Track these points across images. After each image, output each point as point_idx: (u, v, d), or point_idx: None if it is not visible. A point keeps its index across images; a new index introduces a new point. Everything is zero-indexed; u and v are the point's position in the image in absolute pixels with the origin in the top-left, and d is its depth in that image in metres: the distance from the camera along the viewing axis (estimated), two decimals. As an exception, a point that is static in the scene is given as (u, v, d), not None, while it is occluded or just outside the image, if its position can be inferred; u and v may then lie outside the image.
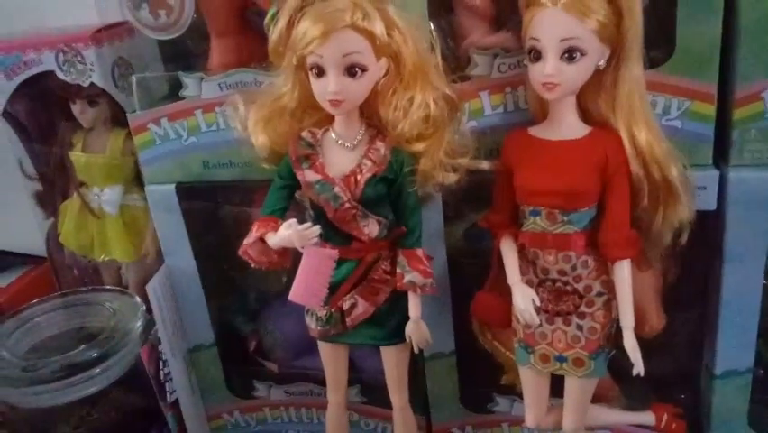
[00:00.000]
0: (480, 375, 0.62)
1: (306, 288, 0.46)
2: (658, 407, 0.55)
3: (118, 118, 0.67)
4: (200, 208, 0.63)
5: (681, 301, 0.56)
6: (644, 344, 0.50)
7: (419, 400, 0.62)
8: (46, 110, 0.70)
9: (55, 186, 0.72)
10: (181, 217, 0.61)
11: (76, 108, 0.67)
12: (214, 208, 0.65)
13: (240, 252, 0.49)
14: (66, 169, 0.70)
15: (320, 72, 0.45)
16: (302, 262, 0.47)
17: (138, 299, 0.68)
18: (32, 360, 0.62)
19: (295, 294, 0.46)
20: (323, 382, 0.65)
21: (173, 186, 0.60)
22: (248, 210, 0.65)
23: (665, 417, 0.54)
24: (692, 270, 0.55)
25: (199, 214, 0.63)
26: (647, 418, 0.54)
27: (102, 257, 0.72)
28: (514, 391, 0.61)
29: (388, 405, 0.57)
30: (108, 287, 0.72)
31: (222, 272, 0.67)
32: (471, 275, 0.56)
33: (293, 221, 0.46)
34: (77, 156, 0.69)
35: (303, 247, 0.45)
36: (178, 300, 0.64)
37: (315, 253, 0.46)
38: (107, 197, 0.70)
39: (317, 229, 0.45)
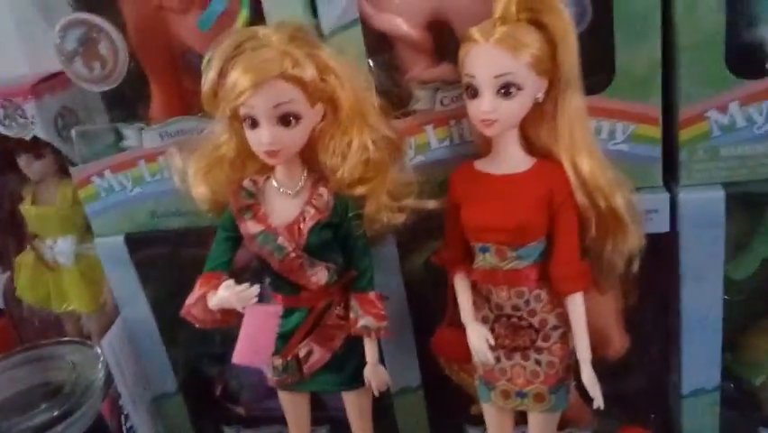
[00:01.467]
0: (450, 406, 0.61)
1: (251, 347, 0.45)
2: (627, 429, 0.54)
3: (66, 168, 0.65)
4: (153, 256, 0.62)
5: (644, 322, 0.56)
6: (612, 364, 0.49)
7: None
8: (-8, 164, 0.69)
9: (8, 239, 0.71)
10: (132, 268, 0.60)
11: (21, 161, 0.65)
12: (169, 255, 0.64)
13: (182, 313, 0.48)
14: (17, 222, 0.69)
15: (254, 123, 0.44)
16: (244, 322, 0.45)
17: (98, 349, 0.66)
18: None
19: (238, 355, 0.45)
20: (291, 424, 0.64)
21: (122, 237, 0.59)
22: (204, 253, 0.64)
23: (632, 440, 0.54)
24: (652, 290, 0.54)
25: (152, 262, 0.62)
26: (616, 443, 0.54)
27: (63, 307, 0.70)
28: (484, 422, 0.60)
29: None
30: (68, 339, 0.70)
31: (180, 319, 0.65)
32: (435, 306, 0.55)
33: (230, 282, 0.45)
34: (27, 209, 0.67)
35: (243, 308, 0.44)
36: (137, 350, 0.63)
37: (257, 313, 0.45)
38: (60, 248, 0.68)
39: (255, 290, 0.44)
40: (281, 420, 0.65)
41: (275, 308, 0.46)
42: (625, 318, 0.56)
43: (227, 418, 0.67)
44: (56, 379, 0.66)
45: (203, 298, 0.46)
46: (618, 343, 0.55)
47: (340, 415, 0.63)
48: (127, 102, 0.60)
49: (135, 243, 0.59)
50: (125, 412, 0.61)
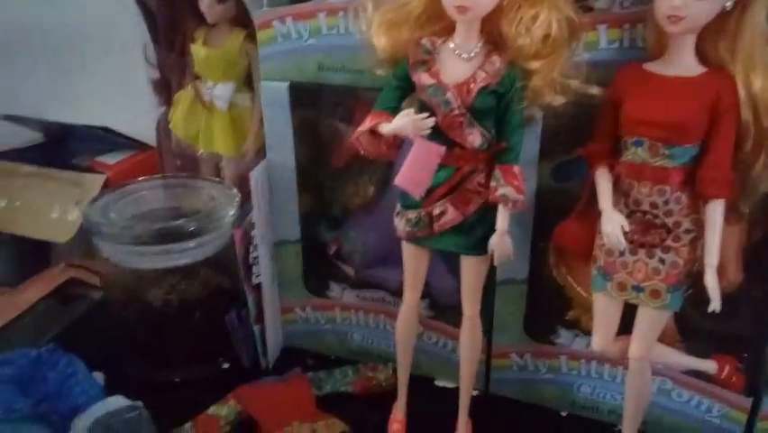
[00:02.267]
0: (548, 307, 0.64)
1: (413, 175, 0.49)
2: (721, 357, 0.56)
3: (241, 19, 0.71)
4: (307, 112, 0.67)
5: (760, 263, 0.57)
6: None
7: (485, 320, 0.64)
8: (175, 2, 0.75)
9: (172, 76, 0.77)
10: (289, 116, 0.65)
11: (204, 2, 0.71)
12: (319, 116, 0.69)
13: (352, 138, 0.52)
14: (185, 60, 0.75)
15: None
16: (411, 151, 0.50)
17: (235, 190, 0.73)
18: (134, 224, 0.68)
19: (401, 179, 0.50)
20: (395, 293, 0.69)
21: (287, 84, 0.64)
22: (344, 128, 0.69)
23: (727, 368, 0.56)
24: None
25: (305, 117, 0.67)
26: (709, 365, 0.56)
27: (208, 148, 0.77)
28: (577, 326, 0.63)
29: (454, 323, 0.60)
30: (207, 177, 0.78)
31: (316, 178, 0.71)
32: (554, 212, 0.58)
33: (410, 110, 0.49)
34: (197, 49, 0.74)
35: (414, 137, 0.49)
36: (273, 194, 0.69)
37: (424, 145, 0.49)
38: (219, 92, 0.74)
39: (432, 120, 0.48)
40: (384, 288, 0.71)
41: (440, 147, 0.50)
42: (743, 256, 0.57)
43: (336, 275, 0.73)
44: (194, 205, 0.73)
45: (373, 129, 0.51)
46: (733, 276, 0.57)
47: (438, 294, 0.69)
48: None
49: (297, 92, 0.64)
50: (255, 243, 0.67)
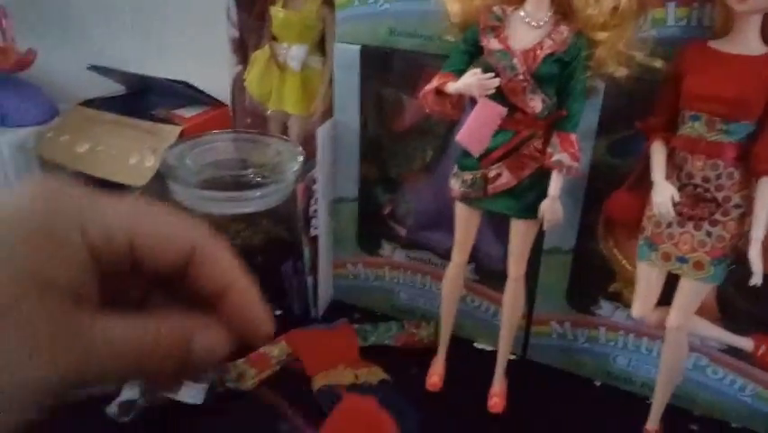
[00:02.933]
0: (592, 278, 0.66)
1: (473, 133, 0.52)
2: (760, 336, 0.57)
3: (320, -15, 0.75)
4: (375, 76, 0.70)
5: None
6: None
7: (528, 287, 0.67)
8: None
9: (251, 36, 0.82)
10: (358, 78, 0.69)
11: (286, -33, 0.76)
12: (386, 80, 0.72)
13: (420, 95, 0.56)
14: (264, 22, 0.80)
15: None
16: (475, 110, 0.53)
17: (300, 147, 0.77)
18: (206, 171, 0.73)
19: (462, 136, 0.53)
20: (442, 256, 0.72)
21: (359, 47, 0.68)
22: (407, 98, 0.72)
23: (763, 347, 0.57)
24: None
25: (372, 83, 0.70)
26: (746, 343, 0.57)
27: (279, 106, 0.81)
28: (619, 299, 0.65)
29: (497, 288, 0.63)
30: (276, 134, 0.82)
31: (377, 140, 0.74)
32: (606, 186, 0.60)
33: (477, 70, 0.52)
34: (276, 11, 0.78)
35: (479, 96, 0.51)
36: (337, 152, 0.73)
37: (487, 105, 0.52)
38: (294, 53, 0.79)
39: (497, 81, 0.51)
40: (433, 249, 0.74)
41: (502, 109, 0.53)
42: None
43: (388, 235, 0.76)
44: (261, 159, 0.78)
45: (440, 88, 0.54)
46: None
47: (484, 259, 0.71)
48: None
49: (368, 56, 0.68)
50: (316, 197, 0.72)
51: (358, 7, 0.67)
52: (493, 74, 0.52)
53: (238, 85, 0.85)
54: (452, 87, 0.53)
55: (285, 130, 0.85)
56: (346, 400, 0.62)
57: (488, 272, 0.71)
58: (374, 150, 0.74)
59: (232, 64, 0.85)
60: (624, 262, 0.64)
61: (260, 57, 0.81)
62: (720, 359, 0.61)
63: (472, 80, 0.51)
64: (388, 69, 0.71)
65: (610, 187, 0.59)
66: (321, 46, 0.80)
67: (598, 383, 0.68)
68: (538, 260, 0.66)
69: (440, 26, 0.60)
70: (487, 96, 0.52)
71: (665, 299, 0.56)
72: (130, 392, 0.61)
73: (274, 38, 0.80)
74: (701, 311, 0.57)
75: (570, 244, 0.65)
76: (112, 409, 0.60)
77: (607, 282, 0.65)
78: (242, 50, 0.84)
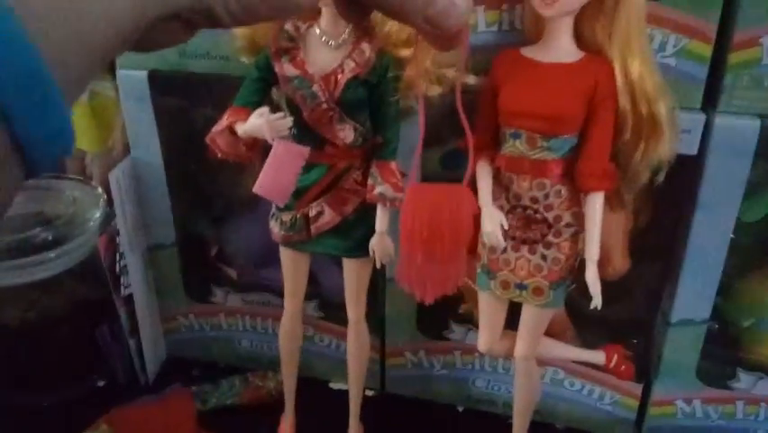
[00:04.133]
0: (440, 302, 0.62)
1: (273, 180, 0.45)
2: (610, 347, 0.55)
3: None
4: (172, 103, 0.60)
5: (647, 247, 0.56)
6: (605, 286, 0.50)
7: (376, 320, 0.61)
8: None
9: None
10: (151, 108, 0.59)
11: None
12: (187, 106, 0.62)
13: (207, 139, 0.47)
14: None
15: None
16: (270, 154, 0.45)
17: (100, 189, 0.66)
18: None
19: (260, 186, 0.45)
20: (281, 294, 0.65)
21: (146, 72, 0.57)
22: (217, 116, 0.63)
23: (615, 358, 0.55)
24: (663, 216, 0.55)
25: (171, 109, 0.60)
26: (598, 357, 0.55)
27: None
28: (470, 321, 0.61)
29: (345, 323, 0.57)
30: (71, 176, 0.70)
31: (189, 173, 0.65)
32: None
33: (265, 109, 0.44)
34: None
35: (273, 139, 0.44)
36: (141, 195, 0.62)
37: (285, 147, 0.44)
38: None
39: (289, 121, 0.44)
40: (271, 289, 0.67)
41: (302, 149, 0.45)
42: (629, 241, 0.56)
43: (218, 278, 0.67)
44: (53, 210, 0.65)
45: (230, 128, 0.45)
46: (619, 263, 0.56)
47: (329, 293, 0.65)
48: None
49: (158, 82, 0.57)
50: (121, 251, 0.61)
51: (136, 27, 0.56)
52: (283, 114, 0.44)
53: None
54: (241, 129, 0.44)
55: (84, 169, 0.72)
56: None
57: (334, 307, 0.65)
58: (187, 186, 0.65)
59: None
60: (468, 282, 0.60)
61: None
62: (576, 370, 0.59)
63: (260, 122, 0.43)
64: (189, 96, 0.61)
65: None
66: (111, 68, 0.68)
67: (460, 409, 0.65)
68: (383, 291, 0.60)
69: (234, 46, 0.51)
70: (283, 136, 0.44)
71: (511, 321, 0.53)
72: None
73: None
74: (553, 325, 0.54)
75: (412, 269, 0.59)
76: None
77: (455, 304, 0.61)
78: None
